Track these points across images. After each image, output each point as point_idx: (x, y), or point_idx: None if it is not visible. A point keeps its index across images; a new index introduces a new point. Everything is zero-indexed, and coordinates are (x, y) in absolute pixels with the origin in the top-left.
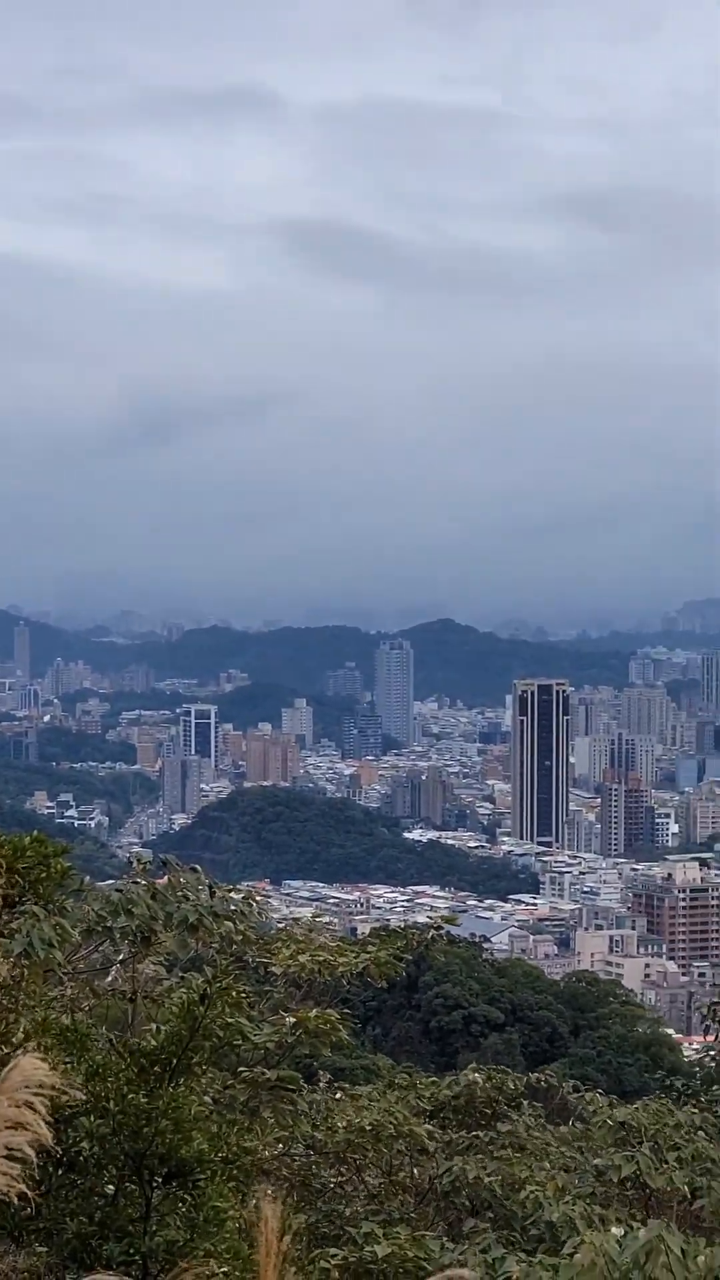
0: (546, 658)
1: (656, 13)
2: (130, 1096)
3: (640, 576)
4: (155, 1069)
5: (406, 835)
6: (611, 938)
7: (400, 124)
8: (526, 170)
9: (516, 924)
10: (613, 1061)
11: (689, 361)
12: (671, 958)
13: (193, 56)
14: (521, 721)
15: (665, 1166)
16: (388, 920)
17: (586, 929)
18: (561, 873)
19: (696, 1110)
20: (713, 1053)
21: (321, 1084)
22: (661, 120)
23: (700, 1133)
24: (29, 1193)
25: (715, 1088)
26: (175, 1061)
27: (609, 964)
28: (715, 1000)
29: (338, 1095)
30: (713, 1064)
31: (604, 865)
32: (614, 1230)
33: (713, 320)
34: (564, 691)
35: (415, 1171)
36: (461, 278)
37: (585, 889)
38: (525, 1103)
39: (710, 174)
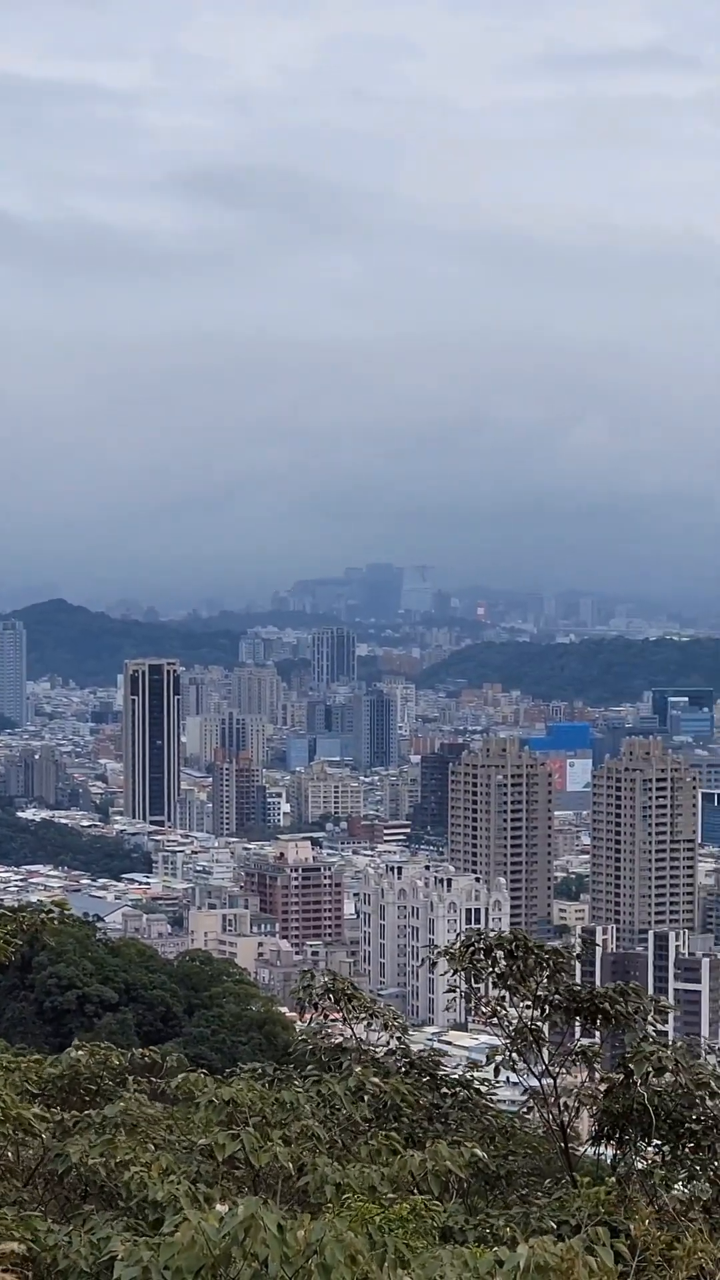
0: (158, 637)
1: None
2: None
3: (253, 556)
4: None
5: (20, 814)
6: (225, 917)
7: (21, 99)
8: (156, 147)
9: (130, 903)
10: (226, 1040)
11: (314, 339)
12: (285, 937)
13: None
14: (133, 701)
15: (269, 1144)
16: (1, 900)
17: (199, 908)
18: (174, 852)
19: (302, 1087)
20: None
21: None
22: (281, 97)
23: (304, 1110)
24: None
25: (309, 1067)
26: None
27: (222, 943)
28: (306, 969)
29: None
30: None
31: (216, 844)
32: (219, 1208)
33: (336, 297)
34: (174, 671)
35: (21, 1154)
36: (88, 255)
37: (198, 868)
38: (130, 1079)
39: (327, 152)
